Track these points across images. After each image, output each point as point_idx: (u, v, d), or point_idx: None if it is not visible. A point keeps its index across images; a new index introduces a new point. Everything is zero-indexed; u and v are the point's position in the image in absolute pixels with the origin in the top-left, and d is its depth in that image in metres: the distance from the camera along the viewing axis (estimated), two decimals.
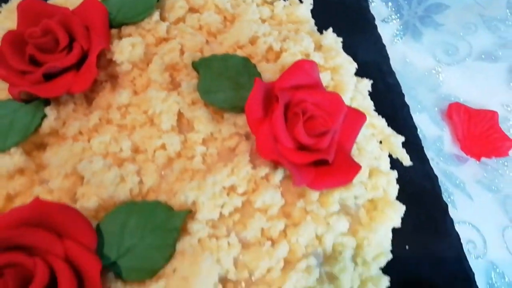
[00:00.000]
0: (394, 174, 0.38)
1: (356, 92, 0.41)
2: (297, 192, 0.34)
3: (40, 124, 0.33)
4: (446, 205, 0.49)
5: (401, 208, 0.37)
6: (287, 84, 0.33)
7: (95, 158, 0.31)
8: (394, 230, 0.39)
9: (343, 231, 0.34)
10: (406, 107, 0.54)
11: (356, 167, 0.33)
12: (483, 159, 0.58)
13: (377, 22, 0.58)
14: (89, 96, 0.37)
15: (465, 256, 0.46)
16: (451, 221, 0.48)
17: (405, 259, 0.43)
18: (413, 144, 0.47)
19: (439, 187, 0.50)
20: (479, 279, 0.46)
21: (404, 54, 0.65)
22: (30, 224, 0.27)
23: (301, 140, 0.32)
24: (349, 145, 0.35)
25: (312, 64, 0.34)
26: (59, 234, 0.28)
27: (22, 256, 0.27)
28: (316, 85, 0.35)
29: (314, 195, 0.34)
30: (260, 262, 0.30)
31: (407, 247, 0.44)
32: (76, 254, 0.27)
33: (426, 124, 0.59)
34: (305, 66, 0.34)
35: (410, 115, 0.53)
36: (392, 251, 0.38)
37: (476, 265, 0.47)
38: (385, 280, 0.35)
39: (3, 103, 0.34)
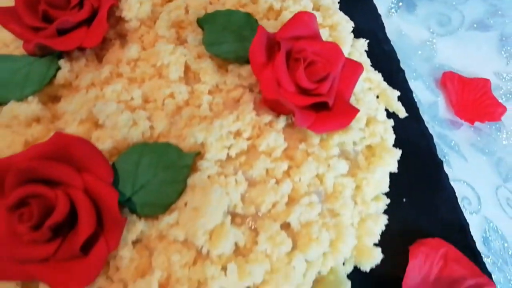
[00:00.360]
0: (390, 122, 0.40)
1: (353, 49, 0.43)
2: (298, 137, 0.36)
3: (55, 76, 0.35)
4: (441, 161, 0.51)
5: (397, 153, 0.39)
6: (288, 34, 0.35)
7: (109, 102, 0.33)
8: (391, 184, 0.41)
9: (342, 173, 0.36)
10: (401, 72, 0.56)
11: (354, 111, 0.35)
12: (476, 124, 0.60)
13: None
14: (99, 54, 0.39)
15: (460, 209, 0.48)
16: (446, 177, 0.50)
17: (403, 211, 0.45)
18: (408, 105, 0.49)
19: (434, 145, 0.52)
20: (475, 233, 0.48)
21: (399, 26, 0.67)
22: (51, 158, 0.29)
23: (302, 84, 0.34)
24: (347, 94, 0.37)
25: (311, 16, 0.36)
26: (78, 168, 0.29)
27: (44, 188, 0.29)
28: (315, 36, 0.37)
29: (315, 139, 0.36)
30: (265, 197, 0.32)
31: (404, 199, 0.46)
32: (95, 187, 0.29)
33: (421, 91, 0.61)
34: (304, 18, 0.36)
35: (406, 79, 0.55)
36: (390, 204, 0.40)
37: (471, 220, 0.49)
38: (384, 219, 0.37)
39: (19, 57, 0.36)
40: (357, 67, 0.38)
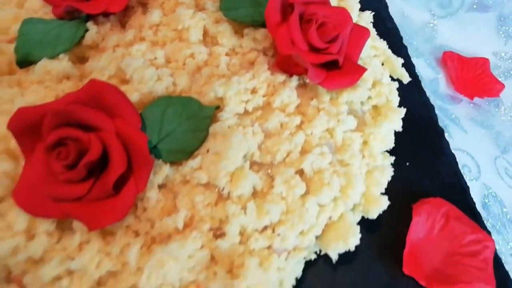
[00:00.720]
0: (395, 84, 0.43)
1: (360, 19, 0.46)
2: (310, 95, 0.39)
3: (83, 37, 0.38)
4: (442, 130, 0.54)
5: (402, 112, 0.41)
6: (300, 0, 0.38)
7: (135, 58, 0.36)
8: (395, 149, 0.44)
9: (351, 128, 0.38)
10: (404, 47, 0.59)
11: (362, 69, 0.38)
12: (476, 100, 0.63)
13: None
14: (122, 20, 0.41)
15: (461, 173, 0.51)
16: (447, 144, 0.53)
17: (407, 173, 0.48)
18: (410, 78, 0.51)
19: (435, 114, 0.55)
20: (474, 198, 0.51)
21: (401, 9, 0.70)
22: (85, 104, 0.31)
23: (314, 43, 0.36)
24: (355, 57, 0.40)
25: None
26: (110, 114, 0.32)
27: (79, 132, 0.31)
28: (325, 2, 0.40)
29: (325, 96, 0.39)
30: (280, 146, 0.35)
31: (407, 163, 0.48)
32: (126, 131, 0.32)
33: (423, 68, 0.64)
34: None
35: (408, 54, 0.57)
36: (394, 167, 0.43)
37: (471, 186, 0.51)
38: (390, 171, 0.39)
39: (49, 21, 0.39)
40: (364, 32, 0.40)
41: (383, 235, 0.45)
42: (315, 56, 0.36)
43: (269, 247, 0.34)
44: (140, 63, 0.35)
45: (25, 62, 0.37)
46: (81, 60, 0.39)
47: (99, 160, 0.31)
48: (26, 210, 0.31)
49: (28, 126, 0.31)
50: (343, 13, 0.39)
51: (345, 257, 0.42)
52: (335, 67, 0.38)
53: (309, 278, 0.40)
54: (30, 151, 0.32)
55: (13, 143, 0.34)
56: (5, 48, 0.38)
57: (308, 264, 0.39)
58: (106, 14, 0.40)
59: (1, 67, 0.37)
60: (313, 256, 0.40)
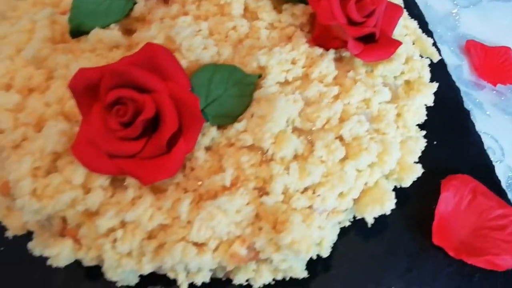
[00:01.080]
0: (427, 61, 0.44)
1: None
2: (346, 68, 0.41)
3: (132, 8, 0.40)
4: (468, 111, 0.55)
5: (434, 86, 0.43)
6: None
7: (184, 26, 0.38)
8: (423, 128, 0.45)
9: (386, 99, 0.40)
10: (429, 33, 0.60)
11: (397, 43, 0.39)
12: (499, 87, 0.64)
13: None
14: None
15: (486, 153, 0.52)
16: (472, 124, 0.55)
17: (435, 151, 0.49)
18: (436, 62, 0.53)
19: (461, 97, 0.56)
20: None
21: None
22: (141, 67, 0.33)
23: (353, 16, 0.38)
24: (389, 33, 0.41)
25: None
26: (163, 77, 0.34)
27: (135, 92, 0.33)
28: None
29: (361, 69, 0.40)
30: (320, 113, 0.37)
31: (435, 142, 0.50)
32: (178, 93, 0.33)
33: (447, 54, 0.65)
34: None
35: (434, 39, 0.59)
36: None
37: (496, 167, 0.53)
38: (422, 141, 0.41)
39: None
40: (398, 9, 0.42)
41: (412, 208, 0.47)
42: (354, 29, 0.38)
43: (309, 207, 0.35)
44: (188, 32, 0.37)
45: (77, 32, 0.39)
46: (128, 31, 0.41)
47: (152, 120, 0.33)
48: (84, 165, 0.33)
49: (87, 86, 0.33)
50: None
51: (375, 228, 0.44)
52: (371, 40, 0.40)
53: (341, 247, 0.42)
54: (88, 110, 0.34)
55: (68, 106, 0.37)
56: (58, 19, 0.40)
57: (341, 234, 0.41)
58: None
59: (55, 36, 0.39)
60: (347, 223, 0.41)
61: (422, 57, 0.47)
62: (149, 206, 0.33)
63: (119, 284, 0.38)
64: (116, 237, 0.33)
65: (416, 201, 0.47)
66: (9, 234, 0.38)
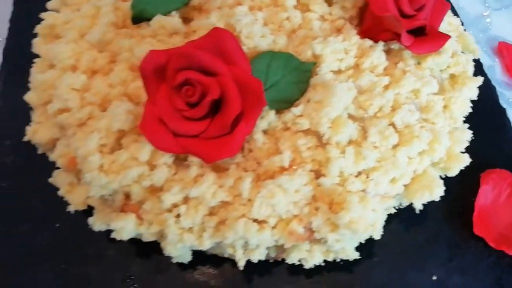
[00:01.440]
0: (471, 56, 0.45)
1: None
2: (395, 59, 0.42)
3: None
4: (504, 108, 0.56)
5: (479, 80, 0.44)
6: None
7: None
8: None
9: (434, 91, 0.41)
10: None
11: (446, 36, 0.41)
12: None
13: None
14: None
15: None
16: (508, 121, 0.55)
17: (473, 146, 0.50)
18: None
19: (496, 95, 0.57)
20: None
21: (456, 0, 0.73)
22: (207, 50, 0.35)
23: (405, 9, 0.39)
24: (436, 27, 0.43)
25: None
26: (227, 61, 0.35)
27: (201, 75, 0.35)
28: None
29: (410, 60, 0.42)
30: (373, 101, 0.38)
31: (473, 137, 0.51)
32: (241, 76, 0.35)
33: (480, 54, 0.66)
34: None
35: None
36: None
37: None
38: (469, 132, 0.42)
39: None
40: (445, 4, 0.43)
41: (452, 200, 0.48)
42: (405, 21, 0.39)
43: (363, 191, 0.37)
44: (249, 20, 0.39)
45: (139, 18, 0.41)
46: (184, 20, 0.42)
47: (214, 102, 0.35)
48: (151, 142, 0.34)
49: (155, 67, 0.34)
50: None
51: (417, 218, 0.45)
52: (420, 33, 0.41)
53: (384, 235, 0.43)
54: (154, 91, 0.35)
55: (131, 87, 0.38)
56: (120, 5, 0.42)
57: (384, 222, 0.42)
58: None
59: (118, 22, 0.41)
60: (393, 211, 0.42)
61: (463, 53, 0.48)
62: (212, 183, 0.35)
63: (174, 261, 0.39)
64: (180, 212, 0.35)
65: (456, 193, 0.48)
66: (71, 209, 0.39)
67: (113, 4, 0.41)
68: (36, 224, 0.44)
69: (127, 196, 0.37)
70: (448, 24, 0.47)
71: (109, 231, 0.39)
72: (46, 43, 0.43)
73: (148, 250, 0.43)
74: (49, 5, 0.46)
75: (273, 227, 0.35)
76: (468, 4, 0.73)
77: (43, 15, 0.44)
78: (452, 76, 0.44)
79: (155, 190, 0.36)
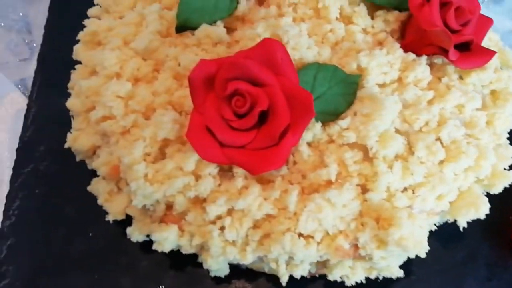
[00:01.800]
0: None
1: None
2: (437, 74, 0.41)
3: (236, 7, 0.42)
4: None
5: None
6: None
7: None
8: None
9: (477, 106, 0.41)
10: None
11: (492, 52, 0.40)
12: None
13: None
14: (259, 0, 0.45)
15: None
16: None
17: None
18: None
19: None
20: None
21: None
22: (256, 61, 0.35)
23: (451, 24, 0.39)
24: (479, 42, 0.42)
25: None
26: (275, 72, 0.35)
27: (250, 86, 0.34)
28: None
29: (454, 75, 0.41)
30: (419, 115, 0.37)
31: None
32: (290, 87, 0.34)
33: None
34: None
35: None
36: None
37: None
38: (510, 150, 0.41)
39: None
40: (487, 20, 0.43)
41: (490, 218, 0.46)
42: (453, 36, 0.39)
43: (409, 207, 0.36)
44: (296, 31, 0.38)
45: (183, 27, 0.41)
46: (228, 30, 0.42)
47: (262, 112, 0.34)
48: (198, 152, 0.34)
49: (205, 77, 0.34)
50: (473, 1, 0.42)
51: (454, 235, 0.44)
52: (465, 49, 0.41)
53: None
54: (201, 100, 0.35)
55: (175, 96, 0.38)
56: (164, 14, 0.42)
57: None
58: None
59: (162, 30, 0.41)
60: (434, 228, 0.42)
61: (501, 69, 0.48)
62: (257, 196, 0.34)
63: (212, 274, 0.38)
64: (224, 225, 0.34)
65: (495, 210, 0.47)
66: (110, 218, 0.39)
67: (158, 12, 0.41)
68: (70, 231, 0.44)
69: (169, 206, 0.36)
70: (488, 39, 0.47)
71: (143, 242, 0.39)
72: (88, 49, 0.43)
73: (182, 263, 0.42)
74: (90, 12, 0.46)
75: (319, 243, 0.34)
76: (497, 21, 0.73)
77: (86, 22, 0.44)
78: (493, 92, 0.44)
79: (199, 201, 0.35)
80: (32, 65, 0.54)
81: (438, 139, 0.38)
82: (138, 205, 0.35)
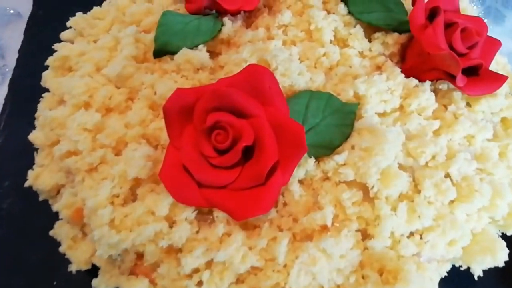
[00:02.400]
0: None
1: None
2: (443, 101, 0.38)
3: (220, 29, 0.38)
4: None
5: None
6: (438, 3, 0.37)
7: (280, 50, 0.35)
8: None
9: (488, 137, 0.36)
10: None
11: (503, 77, 0.36)
12: None
13: None
14: (247, 21, 0.42)
15: None
16: None
17: None
18: None
19: None
20: None
21: None
22: (241, 89, 0.30)
23: (457, 47, 0.35)
24: (487, 65, 0.39)
25: None
26: (262, 101, 0.31)
27: (233, 117, 0.30)
28: (458, 11, 0.39)
29: (461, 103, 0.37)
30: (425, 148, 0.33)
31: None
32: (279, 119, 0.30)
33: None
34: None
35: None
36: None
37: None
38: None
39: (187, 14, 0.39)
40: (495, 42, 0.39)
41: (505, 262, 0.42)
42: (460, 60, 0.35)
43: (417, 255, 0.31)
44: (286, 55, 0.35)
45: (162, 51, 0.37)
46: (211, 54, 0.38)
47: (247, 148, 0.30)
48: (172, 193, 0.29)
49: (182, 108, 0.30)
50: (479, 21, 0.38)
51: (463, 282, 0.39)
52: (472, 73, 0.37)
53: None
54: (178, 134, 0.31)
55: (151, 128, 0.34)
56: (141, 38, 0.38)
57: None
58: (233, 14, 0.40)
59: (138, 55, 0.37)
60: (444, 274, 0.37)
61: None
62: (241, 245, 0.29)
63: None
64: (202, 279, 0.29)
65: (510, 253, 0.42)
66: (73, 268, 0.34)
67: (134, 35, 0.37)
68: (31, 280, 0.39)
69: (139, 256, 0.31)
70: (495, 63, 0.43)
71: None
72: (58, 76, 0.39)
73: None
74: (63, 35, 0.42)
75: None
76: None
77: (56, 45, 0.40)
78: (504, 120, 0.40)
79: (173, 251, 0.30)
80: (3, 91, 0.50)
81: (447, 175, 0.33)
82: (103, 255, 0.30)
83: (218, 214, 0.31)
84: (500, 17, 0.70)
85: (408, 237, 0.32)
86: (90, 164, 0.33)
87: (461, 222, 0.32)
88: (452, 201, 0.33)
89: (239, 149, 0.29)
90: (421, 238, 0.32)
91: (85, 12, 0.43)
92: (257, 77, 0.30)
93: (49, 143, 0.36)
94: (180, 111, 0.30)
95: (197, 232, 0.31)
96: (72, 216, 0.33)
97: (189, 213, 0.31)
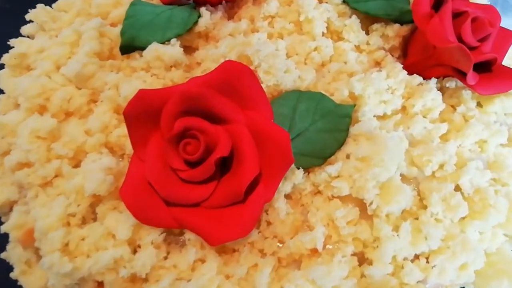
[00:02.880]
0: None
1: None
2: (451, 101, 0.33)
3: (196, 22, 0.33)
4: None
5: None
6: None
7: (265, 44, 0.31)
8: None
9: (503, 142, 0.32)
10: None
11: None
12: None
13: None
14: (229, 12, 0.37)
15: None
16: None
17: None
18: None
19: None
20: None
21: None
22: (216, 90, 0.26)
23: (467, 40, 0.31)
24: (500, 60, 0.34)
25: None
26: (241, 104, 0.26)
27: (206, 123, 0.26)
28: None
29: (471, 103, 0.33)
30: (431, 157, 0.29)
31: None
32: (260, 125, 0.26)
33: None
34: None
35: None
36: None
37: None
38: None
39: (158, 5, 0.35)
40: (509, 33, 0.35)
41: None
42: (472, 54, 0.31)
43: (423, 282, 0.27)
44: (270, 50, 0.30)
45: (130, 46, 0.32)
46: (187, 49, 0.34)
47: (223, 159, 0.26)
48: (134, 213, 0.25)
49: (146, 112, 0.26)
50: (491, 9, 0.33)
51: None
52: (485, 70, 0.32)
53: None
54: (142, 143, 0.26)
55: (114, 135, 0.29)
56: (107, 31, 0.33)
57: None
58: (213, 4, 0.36)
59: (103, 51, 0.33)
60: None
61: None
62: (215, 274, 0.25)
63: None
64: None
65: None
66: None
67: (98, 29, 0.33)
68: None
69: (100, 284, 0.27)
70: (508, 57, 0.39)
71: None
72: (15, 75, 0.35)
73: None
74: (23, 30, 0.38)
75: None
76: None
77: (12, 41, 0.35)
78: None
79: (138, 280, 0.26)
80: None
81: (458, 188, 0.29)
82: (56, 285, 0.26)
83: (190, 236, 0.26)
84: (507, 7, 0.65)
85: (412, 261, 0.27)
86: (43, 178, 0.28)
87: (474, 242, 0.28)
88: (463, 218, 0.28)
89: (213, 160, 0.25)
90: (427, 262, 0.27)
91: None
92: (235, 76, 0.26)
93: (0, 152, 0.31)
94: (144, 117, 0.26)
95: (166, 258, 0.26)
96: (22, 238, 0.28)
97: (156, 235, 0.26)
